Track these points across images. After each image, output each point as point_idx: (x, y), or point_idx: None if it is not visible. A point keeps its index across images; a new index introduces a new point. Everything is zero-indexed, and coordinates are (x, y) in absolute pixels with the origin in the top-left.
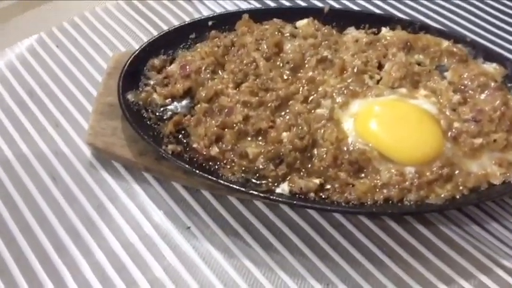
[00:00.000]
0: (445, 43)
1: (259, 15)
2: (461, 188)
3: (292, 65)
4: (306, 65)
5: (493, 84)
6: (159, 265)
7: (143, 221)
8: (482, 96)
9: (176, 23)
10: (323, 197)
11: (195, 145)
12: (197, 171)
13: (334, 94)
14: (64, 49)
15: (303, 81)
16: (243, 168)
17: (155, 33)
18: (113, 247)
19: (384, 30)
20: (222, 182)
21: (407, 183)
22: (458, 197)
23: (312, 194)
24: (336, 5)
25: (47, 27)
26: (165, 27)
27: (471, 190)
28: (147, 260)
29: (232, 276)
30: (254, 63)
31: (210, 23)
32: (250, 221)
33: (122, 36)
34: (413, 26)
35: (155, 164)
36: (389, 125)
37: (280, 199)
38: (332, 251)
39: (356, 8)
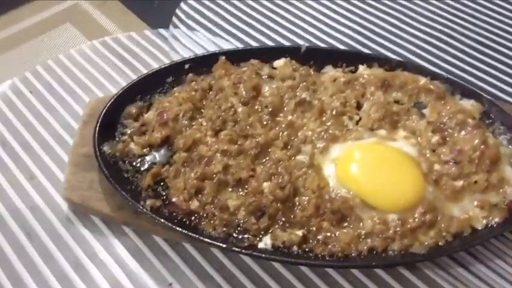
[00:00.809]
0: (422, 80)
1: (236, 56)
2: (444, 234)
3: (271, 109)
4: (285, 108)
5: (470, 121)
6: None
7: (123, 279)
8: (461, 134)
9: (152, 62)
10: (306, 249)
11: (174, 199)
12: (177, 228)
13: (314, 139)
14: (38, 95)
15: (283, 125)
16: (224, 222)
17: (131, 74)
18: None
19: (362, 68)
20: (202, 238)
21: (390, 231)
22: (441, 244)
23: (295, 247)
24: (320, 43)
25: (20, 70)
26: (141, 68)
27: (454, 236)
28: None
29: None
30: (232, 109)
31: (186, 65)
32: (234, 274)
33: (98, 79)
34: (390, 63)
35: (134, 218)
36: (370, 171)
37: (262, 255)
38: None
39: (338, 45)
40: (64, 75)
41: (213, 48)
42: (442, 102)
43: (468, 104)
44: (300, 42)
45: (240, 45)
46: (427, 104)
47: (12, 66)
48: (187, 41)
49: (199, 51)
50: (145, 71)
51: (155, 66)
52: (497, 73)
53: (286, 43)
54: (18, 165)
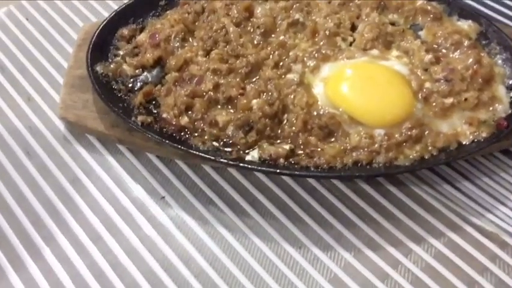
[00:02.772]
0: (419, 1)
1: None
2: (430, 148)
3: (263, 30)
4: (277, 29)
5: (466, 42)
6: (135, 235)
7: (118, 193)
8: (456, 54)
9: None
10: (293, 162)
11: (164, 115)
12: (167, 142)
13: (305, 58)
14: (34, 22)
15: (274, 45)
16: (213, 136)
17: (125, 1)
18: (90, 219)
19: None
20: (192, 151)
21: (376, 145)
22: (427, 157)
23: (281, 160)
24: None
25: None
26: None
27: (440, 150)
28: (123, 230)
29: (207, 243)
30: (224, 29)
31: None
32: (224, 188)
33: (93, 5)
34: None
35: (127, 136)
36: (358, 88)
37: (248, 166)
38: (304, 214)
39: None
40: (58, 1)
41: None
42: (439, 23)
43: (465, 24)
44: None
45: None
46: (423, 26)
47: None
48: None
49: None
50: None
51: None
52: None
53: None
54: (16, 88)
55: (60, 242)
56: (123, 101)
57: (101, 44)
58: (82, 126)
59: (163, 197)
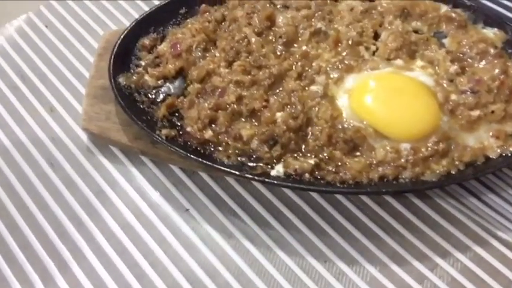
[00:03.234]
0: (444, 8)
1: None
2: (456, 163)
3: (285, 40)
4: (300, 39)
5: (492, 51)
6: (160, 248)
7: (142, 204)
8: (482, 64)
9: None
10: (318, 177)
11: (188, 129)
12: (191, 156)
13: (328, 69)
14: (53, 29)
15: (297, 56)
16: (238, 150)
17: (145, 8)
18: (115, 231)
19: None
20: (217, 166)
21: (402, 160)
22: (453, 172)
23: (307, 175)
24: None
25: (34, 5)
26: (155, 2)
27: (467, 164)
28: (148, 242)
29: (232, 256)
30: (246, 40)
31: None
32: (248, 201)
33: (112, 12)
34: None
35: (151, 148)
36: (384, 101)
37: (275, 182)
38: (329, 227)
39: None
40: (77, 8)
41: None
42: (463, 31)
43: (491, 32)
44: None
45: None
46: (448, 34)
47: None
48: None
49: None
50: (157, 2)
51: None
52: None
53: None
54: (38, 98)
55: (87, 255)
56: (146, 113)
57: (123, 54)
58: (105, 138)
59: (187, 210)
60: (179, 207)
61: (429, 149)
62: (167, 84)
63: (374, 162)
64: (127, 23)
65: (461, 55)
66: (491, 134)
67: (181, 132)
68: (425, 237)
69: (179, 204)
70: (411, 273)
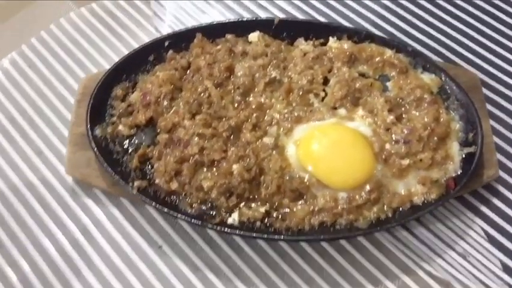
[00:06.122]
0: (388, 52)
1: (213, 31)
2: (385, 209)
3: (242, 90)
4: (256, 89)
5: (428, 97)
6: (138, 281)
7: (123, 243)
8: (417, 111)
9: (136, 29)
10: (268, 224)
11: (157, 180)
12: (158, 206)
13: (280, 121)
14: (35, 69)
15: (253, 107)
16: (200, 200)
17: (118, 44)
18: (101, 269)
19: (332, 41)
20: (179, 216)
21: (339, 208)
22: (382, 218)
23: (258, 223)
24: (298, 15)
25: (19, 40)
26: (130, 40)
27: (395, 210)
28: (128, 278)
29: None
30: (207, 92)
31: (166, 43)
32: (214, 240)
33: (88, 50)
34: (359, 35)
35: (126, 193)
36: (324, 152)
37: (228, 231)
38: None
39: (316, 16)
40: (56, 48)
41: (194, 11)
42: (404, 76)
43: (428, 78)
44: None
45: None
46: (391, 77)
47: (10, 37)
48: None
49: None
50: (130, 40)
51: (139, 33)
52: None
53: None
54: (27, 141)
55: None
56: (121, 164)
57: (98, 105)
58: (87, 183)
59: (160, 246)
60: (154, 244)
61: (363, 197)
62: (139, 132)
63: (316, 209)
64: (103, 62)
65: (400, 100)
66: (418, 180)
67: (151, 182)
68: (360, 266)
69: (153, 241)
70: None
